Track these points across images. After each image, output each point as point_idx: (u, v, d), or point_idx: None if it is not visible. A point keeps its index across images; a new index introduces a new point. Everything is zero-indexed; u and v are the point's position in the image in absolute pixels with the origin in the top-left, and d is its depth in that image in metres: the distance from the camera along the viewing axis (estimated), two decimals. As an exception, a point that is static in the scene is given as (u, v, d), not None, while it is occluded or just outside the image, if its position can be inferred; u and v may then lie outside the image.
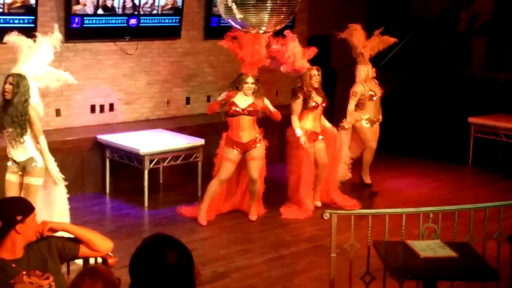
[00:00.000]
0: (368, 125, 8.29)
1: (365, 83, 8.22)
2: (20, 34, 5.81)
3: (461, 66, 11.44)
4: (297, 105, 7.35)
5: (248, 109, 6.90)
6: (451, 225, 4.87)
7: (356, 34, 8.16)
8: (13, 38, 5.77)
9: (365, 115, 8.27)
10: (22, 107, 5.56)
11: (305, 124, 7.40)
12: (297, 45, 7.32)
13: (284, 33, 7.18)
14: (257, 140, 7.01)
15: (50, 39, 5.81)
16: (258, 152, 7.01)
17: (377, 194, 8.27)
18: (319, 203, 7.57)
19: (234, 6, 4.91)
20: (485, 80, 11.01)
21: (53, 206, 5.84)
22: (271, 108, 7.13)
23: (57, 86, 6.05)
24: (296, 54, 7.28)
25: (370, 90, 8.22)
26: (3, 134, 5.72)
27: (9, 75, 5.62)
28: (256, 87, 6.96)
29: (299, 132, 7.27)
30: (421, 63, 11.76)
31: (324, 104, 7.47)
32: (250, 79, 6.90)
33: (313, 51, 7.41)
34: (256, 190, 7.08)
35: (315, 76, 7.33)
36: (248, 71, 6.95)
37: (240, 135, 6.93)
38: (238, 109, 6.89)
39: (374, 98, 8.25)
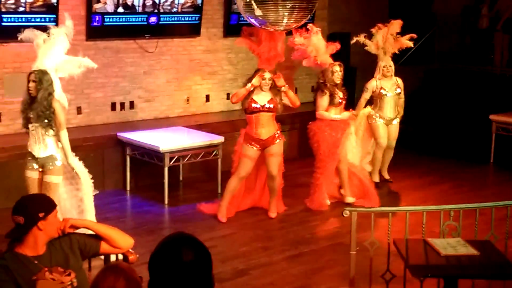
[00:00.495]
0: (380, 122, 8.21)
1: (380, 81, 8.15)
2: (35, 30, 5.86)
3: (483, 63, 11.34)
4: (324, 100, 7.35)
5: (267, 105, 6.90)
6: (472, 223, 4.84)
7: (379, 32, 8.10)
8: (27, 34, 5.81)
9: (377, 112, 8.21)
10: (46, 101, 5.62)
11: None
12: (320, 39, 7.32)
13: (308, 26, 7.20)
14: (276, 136, 7.00)
15: (63, 29, 5.85)
16: (277, 148, 7.01)
17: (397, 192, 8.23)
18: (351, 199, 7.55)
19: (254, 5, 4.92)
20: (507, 77, 10.91)
21: (81, 203, 5.89)
22: (291, 94, 7.08)
23: (79, 72, 6.03)
24: (319, 48, 7.27)
25: (382, 88, 8.15)
26: (28, 129, 5.78)
27: (30, 73, 5.67)
28: (272, 83, 6.94)
29: (337, 116, 7.30)
30: (442, 60, 11.68)
31: (345, 101, 7.46)
32: (267, 75, 6.89)
33: (335, 46, 7.40)
34: (275, 187, 7.09)
35: (337, 72, 7.31)
36: (265, 67, 6.94)
37: (260, 132, 6.93)
38: (257, 106, 6.88)
39: (388, 96, 8.15)
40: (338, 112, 7.41)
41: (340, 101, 7.37)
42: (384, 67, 8.11)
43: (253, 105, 6.87)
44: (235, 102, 7.06)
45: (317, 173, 7.41)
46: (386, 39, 8.05)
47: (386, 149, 8.31)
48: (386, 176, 8.47)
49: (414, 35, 8.28)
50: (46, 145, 5.73)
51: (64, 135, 5.76)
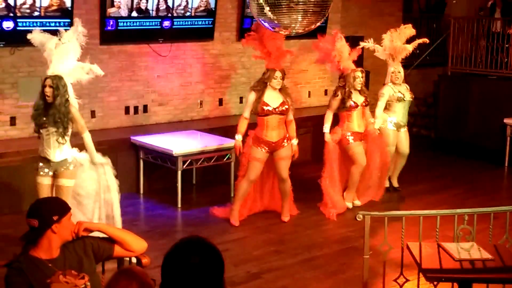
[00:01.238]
0: (394, 128, 8.17)
1: (394, 86, 8.12)
2: (43, 32, 5.84)
3: (497, 66, 11.28)
4: (335, 101, 7.49)
5: (279, 108, 6.91)
6: (487, 227, 4.81)
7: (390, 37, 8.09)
8: (37, 36, 5.79)
9: (391, 118, 8.17)
10: (64, 107, 5.65)
11: (350, 126, 7.48)
12: (344, 45, 7.40)
13: (332, 32, 7.31)
14: (286, 139, 7.01)
15: (75, 33, 5.81)
16: (287, 151, 7.01)
17: (411, 195, 8.19)
18: (358, 202, 7.62)
19: (267, 8, 4.91)
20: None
21: (107, 207, 5.95)
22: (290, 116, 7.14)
23: (87, 79, 6.02)
24: (342, 54, 7.34)
25: (399, 91, 8.12)
26: (41, 134, 5.80)
27: (47, 78, 5.68)
28: (283, 82, 6.97)
29: (326, 128, 7.46)
30: (456, 63, 11.63)
31: (365, 104, 7.50)
32: (278, 74, 6.90)
33: (357, 52, 7.47)
34: (287, 190, 7.08)
35: (359, 78, 7.38)
36: (274, 66, 6.95)
37: (270, 134, 6.94)
38: (270, 109, 6.89)
39: (404, 100, 8.14)
40: (357, 117, 7.47)
41: (353, 105, 7.41)
42: (393, 72, 8.08)
43: (265, 107, 6.88)
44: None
45: (323, 177, 7.45)
46: (394, 45, 8.01)
47: (399, 156, 8.26)
48: (395, 184, 8.38)
49: (426, 40, 8.24)
50: (62, 149, 5.76)
51: (88, 136, 5.84)
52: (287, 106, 6.94)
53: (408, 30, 8.07)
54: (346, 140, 7.46)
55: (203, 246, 2.44)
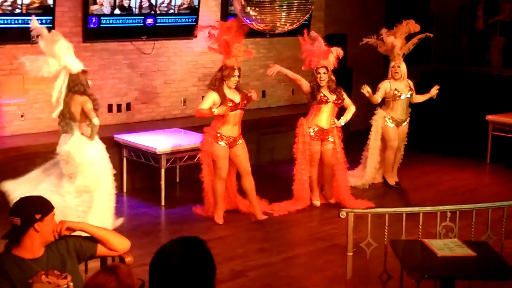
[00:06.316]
0: (393, 125, 8.22)
1: (394, 82, 8.14)
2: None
3: (479, 64, 11.37)
4: (307, 94, 7.47)
5: (243, 102, 6.93)
6: (469, 223, 4.84)
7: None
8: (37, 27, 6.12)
9: (389, 114, 8.20)
10: None
11: (316, 120, 7.45)
12: (320, 45, 7.37)
13: (310, 33, 7.39)
14: (240, 136, 7.04)
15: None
16: (244, 146, 7.05)
17: (394, 192, 8.24)
18: (332, 200, 7.66)
19: (248, 8, 4.91)
20: (503, 78, 10.92)
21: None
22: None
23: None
24: (316, 54, 7.33)
25: (395, 89, 8.14)
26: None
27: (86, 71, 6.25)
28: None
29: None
30: (438, 61, 11.70)
31: (337, 102, 7.46)
32: (236, 72, 6.88)
33: (328, 51, 7.42)
34: (253, 184, 7.06)
35: (320, 74, 7.33)
36: (233, 64, 6.89)
37: (232, 130, 6.92)
38: (234, 104, 6.87)
39: (401, 98, 8.14)
40: (327, 113, 7.43)
41: (324, 98, 7.35)
42: (392, 67, 8.11)
43: (230, 103, 6.84)
44: (199, 117, 7.07)
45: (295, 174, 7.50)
46: (394, 40, 8.02)
47: (397, 151, 8.32)
48: (391, 182, 8.41)
49: (430, 35, 8.21)
50: None
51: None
52: (246, 101, 6.94)
53: (412, 25, 8.09)
54: (307, 134, 7.42)
55: (187, 247, 2.43)
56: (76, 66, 6.16)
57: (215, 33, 6.93)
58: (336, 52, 7.38)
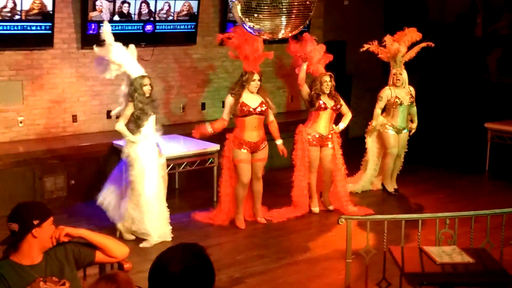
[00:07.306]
0: (393, 132, 8.22)
1: (395, 89, 8.15)
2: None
3: (478, 71, 11.38)
4: (306, 102, 7.52)
5: (259, 108, 6.92)
6: (468, 231, 4.84)
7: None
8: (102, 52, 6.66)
9: (390, 122, 8.21)
10: None
11: (315, 126, 7.44)
12: (315, 49, 7.38)
13: (304, 35, 7.28)
14: (264, 140, 7.03)
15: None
16: (265, 152, 7.08)
17: (393, 199, 8.23)
18: (331, 207, 7.64)
19: (246, 19, 4.90)
20: (502, 85, 10.94)
21: None
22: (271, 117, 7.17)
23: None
24: (312, 58, 7.34)
25: (397, 97, 8.15)
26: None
27: (145, 77, 6.54)
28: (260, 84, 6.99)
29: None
30: (437, 68, 11.71)
31: (335, 108, 7.47)
32: (256, 76, 6.92)
33: (328, 58, 7.47)
34: (260, 189, 7.12)
35: (326, 82, 7.35)
36: (253, 69, 6.95)
37: (251, 135, 6.94)
38: (250, 109, 6.90)
39: (402, 105, 8.14)
40: (325, 119, 7.43)
41: (323, 106, 7.37)
42: (394, 74, 8.11)
43: (245, 108, 6.87)
44: (197, 138, 7.24)
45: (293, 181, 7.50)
46: (396, 48, 8.02)
47: (397, 158, 8.32)
48: (390, 189, 8.40)
49: (431, 44, 8.24)
50: None
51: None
52: (265, 107, 6.95)
53: (413, 34, 8.10)
54: (306, 141, 7.43)
55: (186, 253, 2.42)
56: (133, 72, 6.52)
57: (234, 41, 6.95)
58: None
